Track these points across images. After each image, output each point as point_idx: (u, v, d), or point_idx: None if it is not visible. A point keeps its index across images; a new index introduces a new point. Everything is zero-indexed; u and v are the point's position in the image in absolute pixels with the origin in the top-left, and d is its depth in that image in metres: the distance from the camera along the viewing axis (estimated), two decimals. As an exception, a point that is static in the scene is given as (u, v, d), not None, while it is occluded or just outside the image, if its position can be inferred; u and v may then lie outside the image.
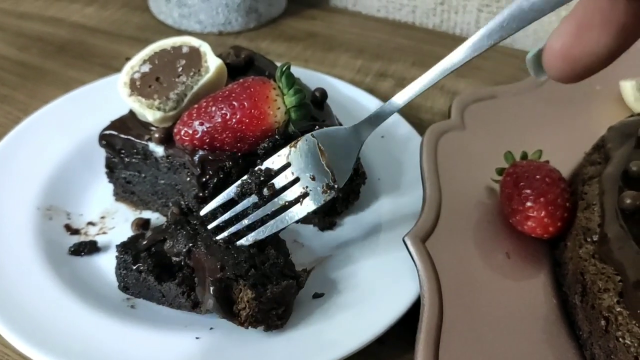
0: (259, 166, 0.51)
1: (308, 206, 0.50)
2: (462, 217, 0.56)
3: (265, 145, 0.54)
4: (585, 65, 0.36)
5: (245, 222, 0.51)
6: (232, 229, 0.51)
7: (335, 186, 0.50)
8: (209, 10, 0.90)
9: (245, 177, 0.52)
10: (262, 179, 0.51)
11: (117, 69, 0.82)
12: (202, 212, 0.52)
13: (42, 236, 0.57)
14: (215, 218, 0.52)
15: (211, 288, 0.48)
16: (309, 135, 0.51)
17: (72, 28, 0.94)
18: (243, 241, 0.51)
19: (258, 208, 0.51)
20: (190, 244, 0.51)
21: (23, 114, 0.75)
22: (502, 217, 0.57)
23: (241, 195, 0.52)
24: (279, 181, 0.51)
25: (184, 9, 0.91)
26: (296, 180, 0.51)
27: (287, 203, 0.51)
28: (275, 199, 0.51)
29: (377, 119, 0.53)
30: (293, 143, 0.51)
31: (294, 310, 0.52)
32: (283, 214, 0.51)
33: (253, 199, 0.51)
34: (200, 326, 0.51)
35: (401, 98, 0.51)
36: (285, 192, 0.51)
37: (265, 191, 0.51)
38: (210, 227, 0.52)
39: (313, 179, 0.50)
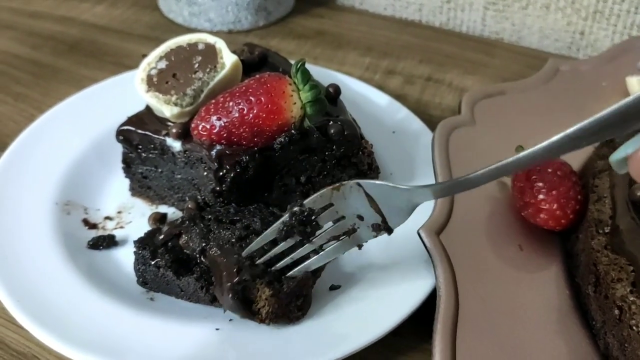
0: (298, 207, 0.49)
1: (356, 240, 0.49)
2: (474, 210, 0.57)
3: (282, 139, 0.55)
4: None
5: (293, 256, 0.50)
6: (281, 264, 0.50)
7: (388, 226, 0.48)
8: (219, 8, 0.91)
9: (285, 217, 0.49)
10: (303, 219, 0.49)
11: (129, 67, 0.83)
12: (244, 254, 0.50)
13: (61, 230, 0.58)
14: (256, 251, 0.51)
15: (230, 292, 0.48)
16: (353, 182, 0.48)
17: (83, 27, 0.95)
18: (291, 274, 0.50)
19: (302, 244, 0.50)
20: (204, 244, 0.51)
21: (37, 111, 0.76)
22: (514, 210, 0.58)
23: (284, 236, 0.49)
24: (323, 217, 0.49)
25: (194, 7, 0.92)
26: (341, 218, 0.49)
27: (332, 238, 0.49)
28: (321, 234, 0.49)
29: (441, 191, 0.47)
30: (335, 186, 0.48)
31: (312, 302, 0.52)
32: (329, 248, 0.49)
33: (297, 238, 0.50)
34: (220, 318, 0.52)
35: (480, 177, 0.44)
36: (331, 228, 0.49)
37: (308, 228, 0.49)
38: (259, 262, 0.50)
39: (361, 218, 0.49)
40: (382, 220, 0.48)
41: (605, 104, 0.74)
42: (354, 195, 0.48)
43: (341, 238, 0.50)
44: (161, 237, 0.53)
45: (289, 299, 0.49)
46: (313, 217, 0.49)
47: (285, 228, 0.49)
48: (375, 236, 0.49)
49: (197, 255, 0.52)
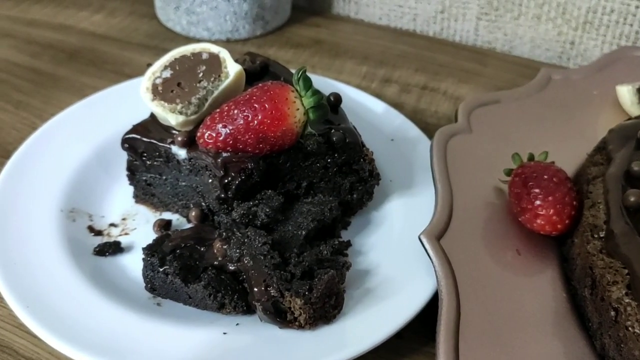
0: None
1: None
2: (473, 216, 0.58)
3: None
4: None
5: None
6: None
7: None
8: (217, 18, 0.93)
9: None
10: None
11: (129, 75, 0.84)
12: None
13: (67, 237, 0.59)
14: None
15: (261, 309, 0.50)
16: None
17: (81, 35, 0.96)
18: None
19: None
20: (238, 253, 0.52)
21: (39, 119, 0.77)
22: (511, 215, 0.59)
23: None
24: None
25: (192, 16, 0.93)
26: None
27: None
28: None
29: None
30: None
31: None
32: None
33: None
34: (227, 322, 0.52)
35: None
36: None
37: None
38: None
39: None
40: None
41: (596, 112, 0.77)
42: None
43: None
44: (170, 244, 0.54)
45: (322, 302, 0.50)
46: None
47: None
48: None
49: (235, 263, 0.53)
